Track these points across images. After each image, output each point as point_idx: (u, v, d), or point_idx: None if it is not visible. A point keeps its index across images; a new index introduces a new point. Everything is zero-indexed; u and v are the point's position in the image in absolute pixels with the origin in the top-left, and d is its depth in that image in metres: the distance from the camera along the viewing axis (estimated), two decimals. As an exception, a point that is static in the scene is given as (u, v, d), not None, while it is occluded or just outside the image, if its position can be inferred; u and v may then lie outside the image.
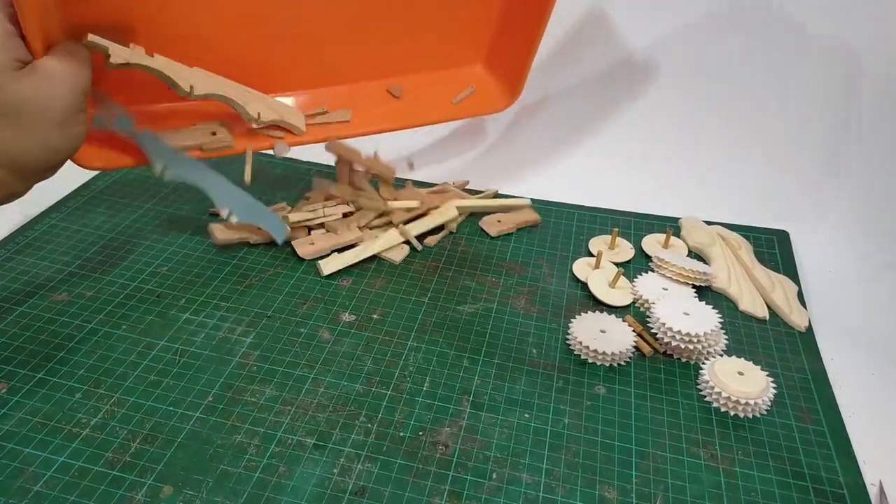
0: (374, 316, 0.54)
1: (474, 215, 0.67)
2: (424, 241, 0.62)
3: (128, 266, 0.58)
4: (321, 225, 0.62)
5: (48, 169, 0.44)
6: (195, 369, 0.48)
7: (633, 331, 0.53)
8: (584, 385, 0.49)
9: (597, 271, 0.60)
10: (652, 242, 0.65)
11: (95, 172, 0.71)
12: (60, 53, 0.42)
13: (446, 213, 0.63)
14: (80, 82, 0.43)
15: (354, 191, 0.65)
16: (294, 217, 0.60)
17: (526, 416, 0.46)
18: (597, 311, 0.55)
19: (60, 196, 0.67)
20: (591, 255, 0.63)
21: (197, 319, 0.53)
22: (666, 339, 0.51)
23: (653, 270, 0.60)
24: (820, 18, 0.69)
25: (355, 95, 0.62)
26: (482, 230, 0.66)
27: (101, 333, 0.51)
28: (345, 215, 0.63)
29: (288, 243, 0.60)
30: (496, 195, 0.71)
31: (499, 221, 0.66)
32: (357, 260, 0.59)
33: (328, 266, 0.58)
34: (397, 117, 0.63)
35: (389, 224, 0.64)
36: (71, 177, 0.69)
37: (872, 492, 0.43)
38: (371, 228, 0.63)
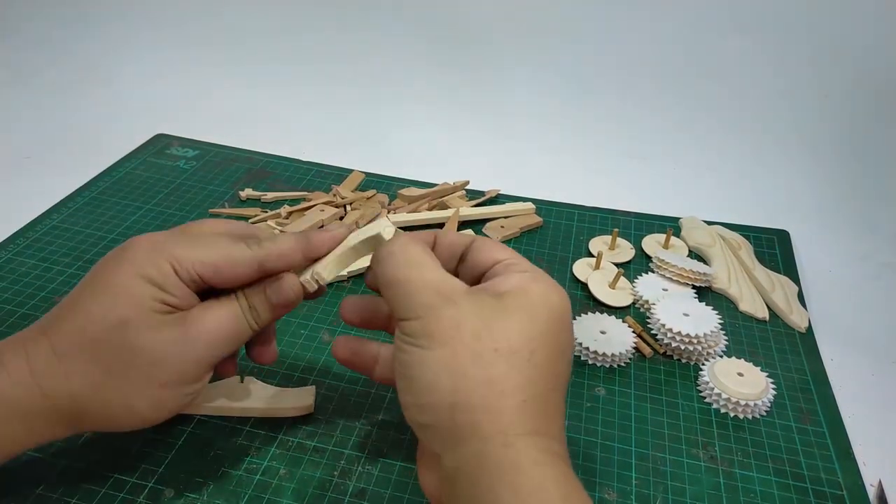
0: (375, 317, 0.54)
1: (477, 221, 0.67)
2: None
3: (128, 267, 0.58)
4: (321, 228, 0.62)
5: (141, 427, 0.36)
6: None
7: (633, 332, 0.53)
8: (583, 386, 0.49)
9: (597, 272, 0.60)
10: (652, 243, 0.65)
11: (96, 174, 0.71)
12: (217, 306, 0.35)
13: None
14: (228, 342, 0.35)
15: (356, 194, 0.65)
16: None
17: (526, 417, 0.46)
18: (597, 312, 0.55)
19: (61, 197, 0.67)
20: (591, 255, 0.63)
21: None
22: (666, 340, 0.51)
23: (653, 271, 0.60)
24: (821, 19, 0.69)
25: None
26: (485, 235, 0.65)
27: (102, 335, 0.51)
28: (340, 218, 0.63)
29: None
30: (498, 195, 0.71)
31: (502, 227, 0.66)
32: (363, 269, 0.59)
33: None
34: None
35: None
36: (71, 177, 0.69)
37: (872, 492, 0.43)
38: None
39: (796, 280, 0.61)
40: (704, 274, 0.58)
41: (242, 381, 0.45)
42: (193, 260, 0.35)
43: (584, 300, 0.58)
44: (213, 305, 0.36)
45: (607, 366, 0.51)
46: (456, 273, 0.37)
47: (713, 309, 0.53)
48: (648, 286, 0.58)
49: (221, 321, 0.35)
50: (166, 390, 0.34)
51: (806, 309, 0.58)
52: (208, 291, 0.36)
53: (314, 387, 0.46)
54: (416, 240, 0.35)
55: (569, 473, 0.29)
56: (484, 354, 0.30)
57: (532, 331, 0.31)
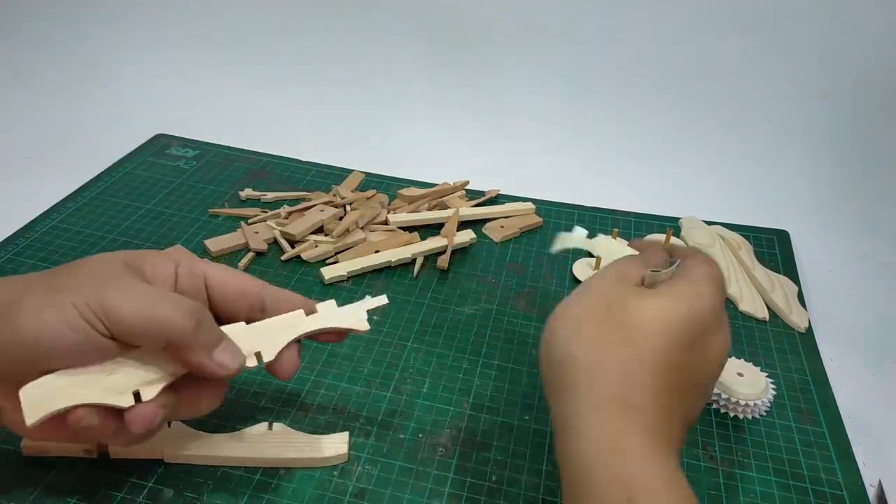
0: (375, 317, 0.54)
1: (477, 221, 0.67)
2: (437, 263, 0.60)
3: (128, 267, 0.58)
4: (321, 229, 0.62)
5: None
6: (196, 371, 0.48)
7: (633, 332, 0.53)
8: (583, 386, 0.49)
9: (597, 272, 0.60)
10: (652, 243, 0.65)
11: (96, 174, 0.71)
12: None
13: (464, 237, 0.63)
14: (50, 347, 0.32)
15: (356, 194, 0.65)
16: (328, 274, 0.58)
17: (526, 417, 0.47)
18: (597, 312, 0.55)
19: (60, 197, 0.67)
20: (591, 255, 0.63)
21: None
22: (666, 340, 0.51)
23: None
24: (821, 19, 0.69)
25: None
26: (485, 235, 0.65)
27: (102, 335, 0.51)
28: (340, 219, 0.63)
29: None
30: (498, 195, 0.71)
31: (502, 227, 0.66)
32: (363, 270, 0.59)
33: (330, 273, 0.58)
34: None
35: (385, 223, 0.64)
36: (71, 177, 0.69)
37: (871, 492, 0.43)
38: (372, 231, 0.63)
39: (796, 280, 0.61)
40: (704, 274, 0.58)
41: (271, 429, 0.43)
42: (206, 269, 0.38)
43: (584, 300, 0.58)
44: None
45: (607, 366, 0.51)
46: None
47: (713, 309, 0.53)
48: (648, 286, 0.58)
49: (179, 300, 0.34)
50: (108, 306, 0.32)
51: (806, 309, 0.58)
52: None
53: (347, 433, 0.44)
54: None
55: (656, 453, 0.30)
56: (608, 321, 0.32)
57: (662, 315, 0.32)
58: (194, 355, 0.34)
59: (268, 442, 0.42)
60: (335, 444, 0.42)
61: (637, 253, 0.40)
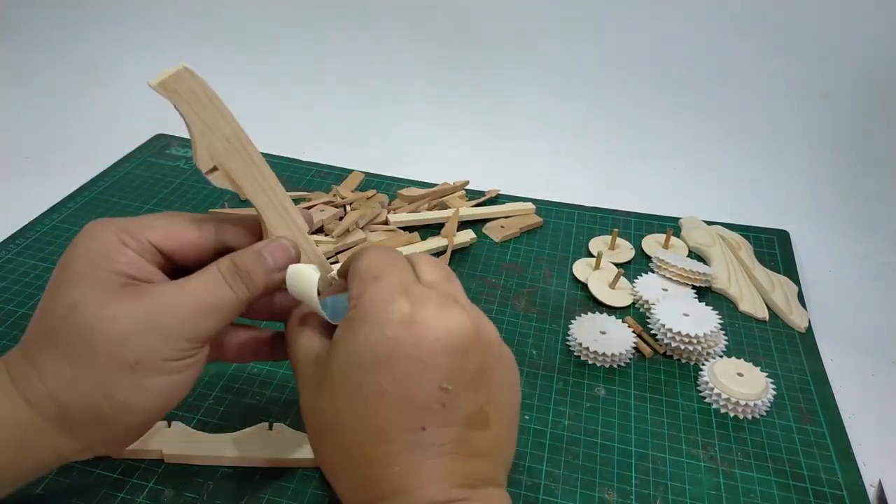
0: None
1: (477, 221, 0.67)
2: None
3: (128, 267, 0.58)
4: (321, 229, 0.62)
5: (139, 423, 0.32)
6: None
7: (633, 332, 0.53)
8: (583, 386, 0.49)
9: (597, 272, 0.60)
10: (652, 243, 0.65)
11: (96, 174, 0.71)
12: (191, 276, 0.31)
13: (464, 237, 0.63)
14: (205, 314, 0.31)
15: (356, 194, 0.65)
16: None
17: (525, 417, 0.47)
18: (597, 313, 0.55)
19: (61, 197, 0.67)
20: (591, 255, 0.63)
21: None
22: (666, 341, 0.51)
23: (653, 271, 0.60)
24: (821, 19, 0.69)
25: None
26: (485, 235, 0.65)
27: (102, 335, 0.51)
28: (340, 219, 0.63)
29: None
30: (498, 195, 0.71)
31: (502, 227, 0.66)
32: None
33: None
34: None
35: (385, 223, 0.64)
36: (71, 177, 0.69)
37: (871, 493, 0.43)
38: (372, 231, 0.63)
39: (796, 280, 0.61)
40: (704, 274, 0.58)
41: (271, 429, 0.43)
42: (143, 226, 0.32)
43: (584, 300, 0.58)
44: (187, 277, 0.32)
45: (607, 366, 0.51)
46: None
47: (713, 309, 0.53)
48: (648, 286, 0.58)
49: (193, 289, 0.31)
50: (141, 373, 0.30)
51: (806, 309, 0.58)
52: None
53: None
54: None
55: None
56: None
57: (347, 347, 0.30)
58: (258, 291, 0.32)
59: (268, 442, 0.42)
60: None
61: None
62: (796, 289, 0.60)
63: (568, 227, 0.67)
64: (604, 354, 0.50)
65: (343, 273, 0.34)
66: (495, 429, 0.30)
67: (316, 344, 0.33)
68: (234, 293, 0.31)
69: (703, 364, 0.50)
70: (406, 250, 0.60)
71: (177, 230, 0.33)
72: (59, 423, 0.30)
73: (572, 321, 0.54)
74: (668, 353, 0.52)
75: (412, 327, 0.29)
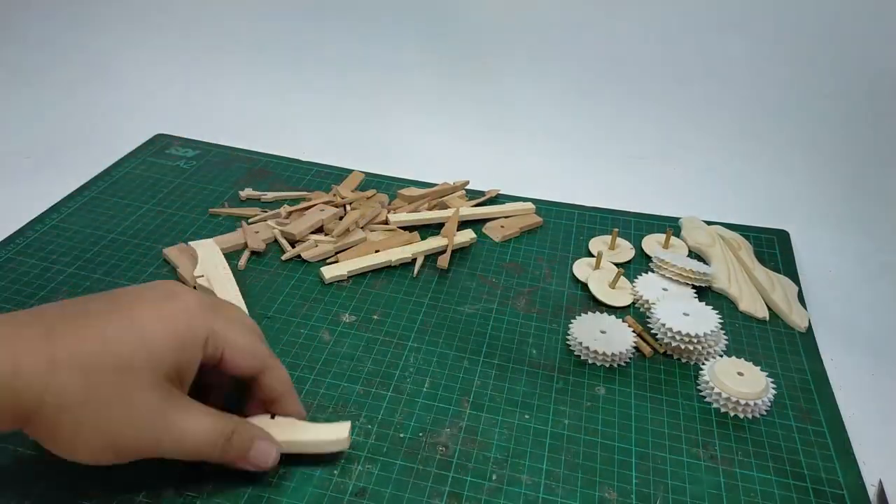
0: (375, 317, 0.54)
1: (477, 221, 0.67)
2: (437, 263, 0.60)
3: (127, 267, 0.58)
4: (321, 229, 0.62)
5: (68, 458, 0.35)
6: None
7: (633, 331, 0.53)
8: (583, 386, 0.49)
9: (597, 272, 0.60)
10: (652, 242, 0.65)
11: (96, 174, 0.71)
12: (205, 413, 0.37)
13: (464, 237, 0.63)
14: (189, 448, 0.37)
15: (356, 194, 0.65)
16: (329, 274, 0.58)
17: (526, 416, 0.47)
18: (597, 312, 0.55)
19: (60, 197, 0.67)
20: (591, 255, 0.63)
21: (197, 320, 0.53)
22: (666, 340, 0.51)
23: (653, 271, 0.60)
24: (820, 19, 0.69)
25: None
26: (485, 235, 0.65)
27: (102, 334, 0.51)
28: (340, 218, 0.63)
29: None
30: (498, 195, 0.71)
31: (502, 227, 0.66)
32: (363, 269, 0.59)
33: (330, 273, 0.58)
34: None
35: (386, 223, 0.64)
36: (71, 177, 0.69)
37: (872, 492, 0.43)
38: (373, 231, 0.63)
39: (796, 280, 0.61)
40: (704, 274, 0.58)
41: (273, 418, 0.42)
42: (227, 338, 0.37)
43: (584, 300, 0.58)
44: (203, 410, 0.37)
45: (607, 365, 0.51)
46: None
47: (713, 309, 0.53)
48: (648, 286, 0.58)
49: (199, 429, 0.36)
50: (117, 445, 0.34)
51: (806, 309, 0.58)
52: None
53: (349, 422, 0.43)
54: None
55: None
56: None
57: None
58: (229, 463, 0.38)
59: (270, 429, 0.41)
60: (337, 430, 0.42)
61: None
62: (796, 289, 0.60)
63: (568, 227, 0.67)
64: (604, 354, 0.50)
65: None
66: None
67: None
68: (212, 451, 0.37)
69: (704, 363, 0.50)
70: (406, 250, 0.60)
71: (248, 356, 0.38)
72: (21, 416, 0.33)
73: (572, 321, 0.54)
74: (669, 352, 0.52)
75: None
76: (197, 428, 0.36)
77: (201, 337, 0.36)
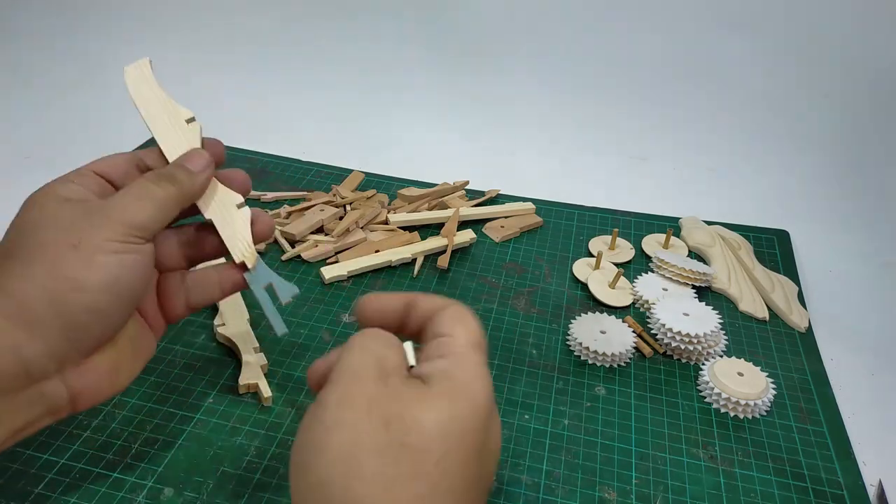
0: (375, 317, 0.54)
1: (477, 221, 0.67)
2: (437, 263, 0.60)
3: (128, 267, 0.58)
4: (321, 229, 0.62)
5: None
6: (196, 371, 0.48)
7: (633, 332, 0.53)
8: (583, 386, 0.49)
9: (597, 272, 0.60)
10: (652, 243, 0.65)
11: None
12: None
13: (464, 237, 0.63)
14: (135, 206, 0.36)
15: (356, 194, 0.65)
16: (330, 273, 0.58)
17: (526, 417, 0.47)
18: (597, 312, 0.55)
19: (61, 197, 0.67)
20: (591, 255, 0.63)
21: (198, 321, 0.53)
22: (666, 340, 0.51)
23: (653, 271, 0.60)
24: (821, 19, 0.69)
25: None
26: (485, 235, 0.65)
27: (102, 335, 0.51)
28: (340, 218, 0.63)
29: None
30: (498, 195, 0.71)
31: (502, 227, 0.66)
32: (363, 269, 0.59)
33: (330, 273, 0.58)
34: None
35: (386, 223, 0.64)
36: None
37: (872, 492, 0.43)
38: (372, 231, 0.63)
39: (796, 280, 0.61)
40: (704, 274, 0.58)
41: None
42: (83, 166, 0.39)
43: (584, 300, 0.58)
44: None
45: (607, 365, 0.51)
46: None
47: (713, 309, 0.53)
48: (648, 286, 0.58)
49: (125, 191, 0.36)
50: (85, 251, 0.33)
51: (806, 309, 0.58)
52: None
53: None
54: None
55: None
56: (390, 447, 0.26)
57: (450, 427, 0.27)
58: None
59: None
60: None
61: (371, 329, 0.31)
62: (796, 289, 0.60)
63: (568, 227, 0.67)
64: (604, 354, 0.50)
65: (423, 314, 0.32)
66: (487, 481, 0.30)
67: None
68: (161, 190, 0.37)
69: (704, 364, 0.50)
70: (406, 250, 0.60)
71: (111, 159, 0.40)
72: (17, 319, 0.31)
73: (572, 321, 0.54)
74: (668, 352, 0.52)
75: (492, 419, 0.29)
76: (125, 190, 0.37)
77: (55, 184, 0.39)
